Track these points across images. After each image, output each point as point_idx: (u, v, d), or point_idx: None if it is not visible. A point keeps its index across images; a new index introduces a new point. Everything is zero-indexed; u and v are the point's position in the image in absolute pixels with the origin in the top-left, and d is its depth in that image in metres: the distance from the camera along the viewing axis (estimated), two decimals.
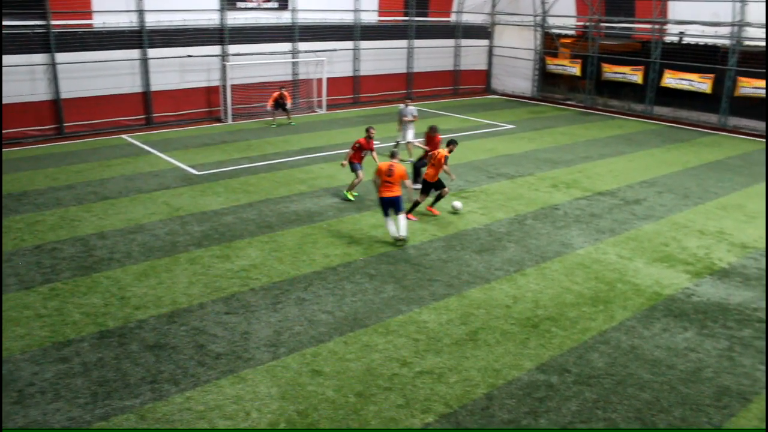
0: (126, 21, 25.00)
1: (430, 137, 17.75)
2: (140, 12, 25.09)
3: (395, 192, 13.72)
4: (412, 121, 21.00)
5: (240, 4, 27.73)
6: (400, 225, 13.84)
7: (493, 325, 10.65)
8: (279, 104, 26.90)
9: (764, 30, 26.58)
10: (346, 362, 9.49)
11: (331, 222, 15.27)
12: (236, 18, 27.72)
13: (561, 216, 16.07)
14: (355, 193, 17.11)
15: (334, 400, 8.62)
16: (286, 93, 27.35)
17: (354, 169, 16.85)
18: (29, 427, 8.05)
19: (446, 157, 15.32)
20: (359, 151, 16.84)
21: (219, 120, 27.70)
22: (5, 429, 8.32)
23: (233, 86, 27.57)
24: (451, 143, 15.70)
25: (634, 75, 31.52)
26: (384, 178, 13.72)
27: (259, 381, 9.01)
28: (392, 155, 14.15)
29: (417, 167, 17.65)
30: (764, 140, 26.04)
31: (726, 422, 8.37)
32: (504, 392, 8.87)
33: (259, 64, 28.52)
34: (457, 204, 16.07)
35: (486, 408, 8.53)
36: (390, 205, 13.83)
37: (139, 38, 25.39)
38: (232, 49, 27.83)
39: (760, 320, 11.06)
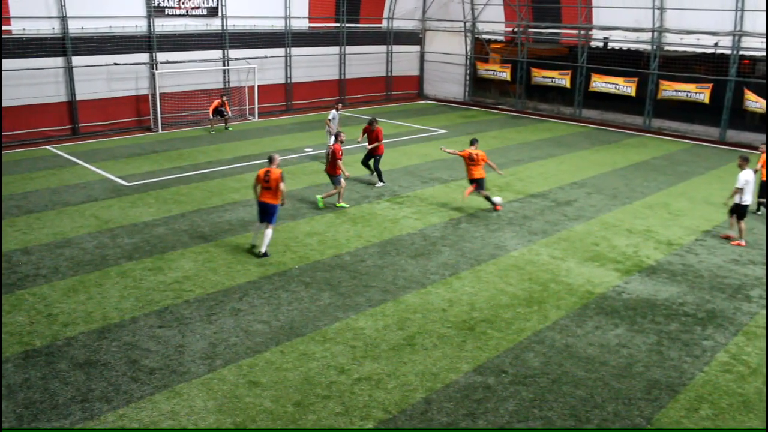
0: (48, 27, 24.21)
1: (370, 129, 18.85)
2: (62, 18, 24.35)
3: (274, 199, 13.39)
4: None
5: (168, 11, 27.22)
6: (265, 237, 13.55)
7: (430, 329, 10.72)
8: (218, 111, 26.69)
9: (681, 36, 27.68)
10: (284, 372, 9.39)
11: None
12: (164, 25, 27.21)
13: (494, 219, 16.31)
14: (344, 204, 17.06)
15: (272, 410, 8.52)
16: (226, 101, 27.16)
17: (336, 182, 16.65)
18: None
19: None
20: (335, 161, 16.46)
21: (149, 129, 27.10)
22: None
23: (163, 94, 27.02)
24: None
25: (563, 79, 32.32)
26: (262, 184, 13.38)
27: (195, 395, 8.83)
28: (270, 160, 13.60)
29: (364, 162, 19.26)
30: (685, 141, 27.07)
31: (656, 414, 8.62)
32: (442, 395, 8.92)
33: (190, 71, 28.04)
34: (497, 199, 16.95)
35: (425, 412, 8.56)
36: (266, 211, 13.51)
37: (63, 45, 24.63)
38: (161, 56, 27.28)
39: (686, 314, 11.45)
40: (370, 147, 19.07)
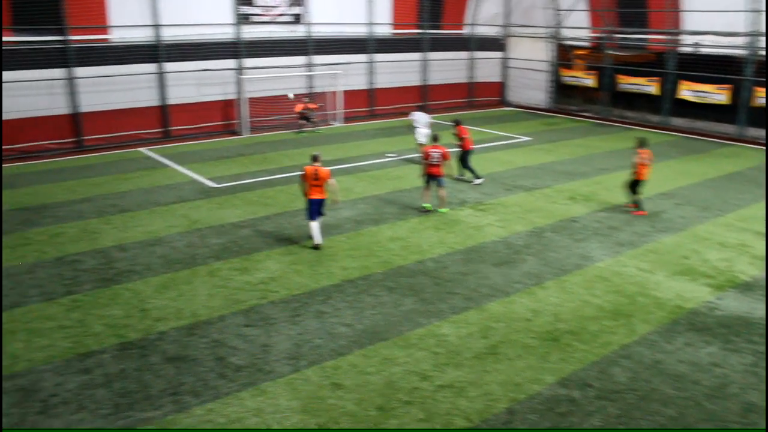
0: (143, 35, 25.25)
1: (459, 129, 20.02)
2: (156, 26, 25.33)
3: (322, 194, 14.21)
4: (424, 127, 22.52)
5: (255, 19, 27.95)
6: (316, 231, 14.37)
7: (514, 338, 10.60)
8: (304, 116, 27.47)
9: None
10: (367, 375, 9.47)
11: (349, 234, 15.29)
12: (251, 32, 27.95)
13: (580, 228, 16.01)
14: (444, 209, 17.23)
15: (354, 413, 8.60)
16: (310, 104, 27.80)
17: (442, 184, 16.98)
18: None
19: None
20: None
21: (236, 133, 27.86)
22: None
23: (249, 99, 27.75)
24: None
25: (650, 86, 31.43)
26: (311, 181, 14.06)
27: (280, 394, 9.01)
28: (314, 159, 14.27)
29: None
30: None
31: None
32: (525, 407, 8.81)
33: (275, 77, 28.68)
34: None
35: (507, 423, 8.48)
36: (318, 207, 14.28)
37: (156, 52, 25.63)
38: (248, 62, 28.02)
39: None
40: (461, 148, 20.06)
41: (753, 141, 27.51)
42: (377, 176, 20.57)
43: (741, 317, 11.53)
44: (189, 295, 12.05)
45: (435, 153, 16.66)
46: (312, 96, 29.64)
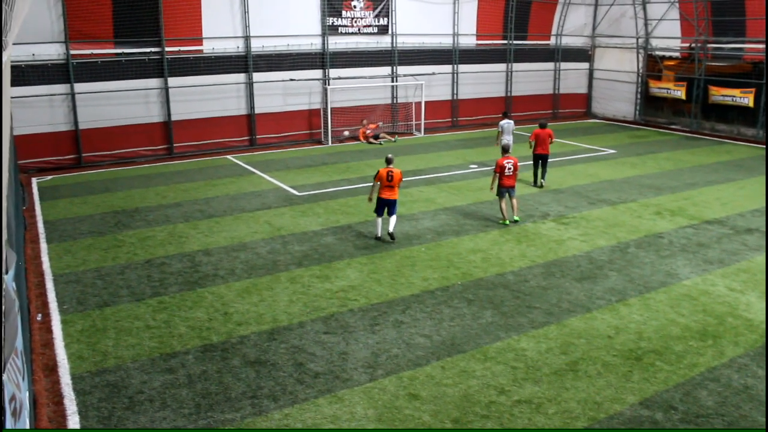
0: (233, 46, 26.07)
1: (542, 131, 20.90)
2: (246, 38, 26.10)
3: (394, 195, 15.26)
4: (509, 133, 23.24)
5: (341, 30, 28.42)
6: (391, 222, 15.45)
7: (594, 355, 10.36)
8: (374, 137, 28.43)
9: None
10: (443, 387, 9.44)
11: (429, 245, 15.30)
12: (337, 43, 28.43)
13: (666, 245, 15.50)
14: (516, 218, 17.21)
15: (430, 425, 8.59)
16: (371, 125, 28.61)
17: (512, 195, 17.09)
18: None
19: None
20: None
21: (320, 142, 28.36)
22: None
23: (334, 109, 28.21)
24: None
25: (745, 98, 30.16)
26: (385, 182, 15.13)
27: (356, 402, 9.09)
28: (388, 161, 15.48)
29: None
30: None
31: None
32: (605, 426, 8.58)
33: (360, 87, 29.05)
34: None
35: None
36: (388, 206, 15.35)
37: (245, 63, 26.40)
38: (333, 72, 28.50)
39: None
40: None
41: None
42: (458, 187, 20.51)
43: None
44: (270, 300, 12.32)
45: (508, 164, 16.65)
46: (369, 118, 29.78)
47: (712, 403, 9.13)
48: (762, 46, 29.71)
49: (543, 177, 20.97)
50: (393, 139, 28.74)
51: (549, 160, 21.29)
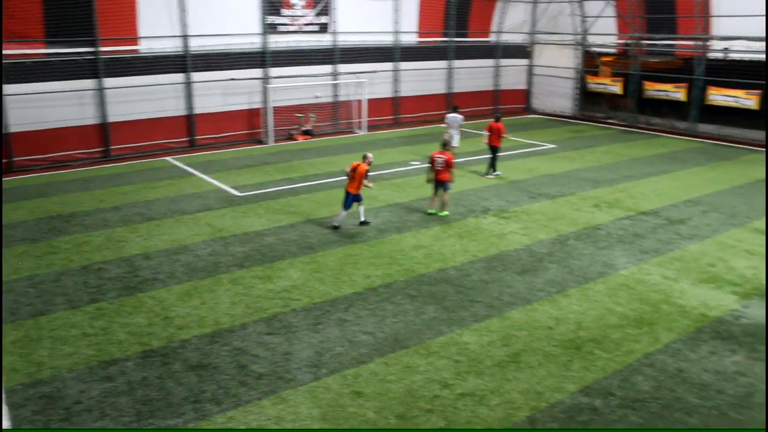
0: (171, 46, 25.60)
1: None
2: (184, 37, 25.66)
3: (352, 189, 15.98)
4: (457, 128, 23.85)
5: (281, 28, 28.20)
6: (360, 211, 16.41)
7: (536, 346, 10.53)
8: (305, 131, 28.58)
9: None
10: (387, 383, 9.46)
11: (371, 242, 15.32)
12: (277, 41, 28.20)
13: (603, 236, 15.86)
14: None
15: (375, 421, 8.60)
16: (304, 117, 28.85)
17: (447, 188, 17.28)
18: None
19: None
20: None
21: (261, 142, 28.08)
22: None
23: (275, 108, 27.98)
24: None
25: (678, 92, 31.07)
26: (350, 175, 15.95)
27: (300, 402, 9.04)
28: (364, 157, 16.16)
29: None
30: None
31: None
32: (547, 415, 8.74)
33: (301, 86, 28.88)
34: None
35: (529, 431, 8.42)
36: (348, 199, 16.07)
37: (183, 62, 25.96)
38: (274, 71, 28.26)
39: None
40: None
41: None
42: (400, 184, 20.59)
43: None
44: (211, 303, 12.15)
45: (439, 159, 16.97)
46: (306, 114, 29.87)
47: (648, 388, 9.39)
48: (691, 42, 30.68)
49: (491, 167, 21.77)
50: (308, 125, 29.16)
51: (498, 154, 21.97)
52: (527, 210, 17.97)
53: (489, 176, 21.77)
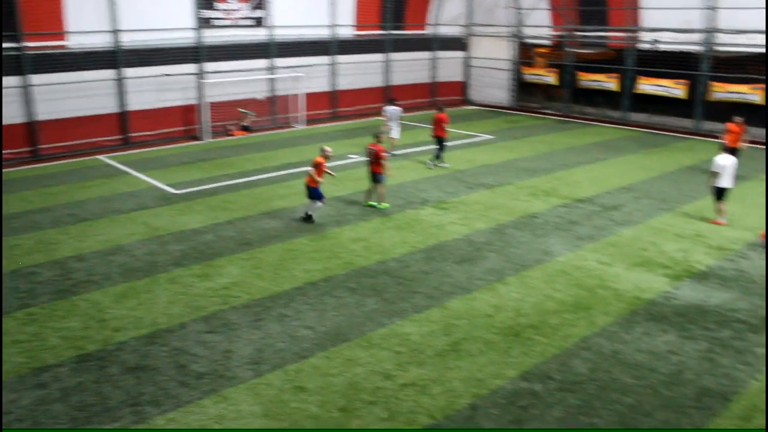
0: (101, 41, 24.89)
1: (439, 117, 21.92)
2: (115, 32, 25.00)
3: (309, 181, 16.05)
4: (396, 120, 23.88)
5: (216, 22, 27.74)
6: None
7: (476, 335, 10.65)
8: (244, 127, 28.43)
9: (735, 36, 27.00)
10: (329, 377, 9.44)
11: (311, 237, 15.23)
12: (212, 36, 27.72)
13: (540, 224, 16.15)
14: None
15: (317, 416, 8.58)
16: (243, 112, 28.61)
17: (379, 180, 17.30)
18: None
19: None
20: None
21: (197, 138, 27.57)
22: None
23: (212, 104, 27.52)
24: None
25: (610, 82, 31.84)
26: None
27: (242, 399, 8.94)
28: (321, 150, 16.24)
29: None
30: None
31: (708, 423, 8.43)
32: (488, 401, 8.86)
33: (237, 81, 28.50)
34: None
35: (470, 418, 8.52)
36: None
37: (114, 58, 25.28)
38: (209, 66, 27.79)
39: (739, 321, 11.16)
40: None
41: (709, 134, 27.93)
42: (339, 178, 20.42)
43: (696, 305, 11.74)
44: (149, 303, 11.89)
45: (370, 150, 17.27)
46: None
47: (586, 370, 9.61)
48: (622, 34, 31.46)
49: (437, 158, 22.06)
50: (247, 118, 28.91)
51: (446, 144, 22.38)
52: (465, 200, 18.14)
53: (430, 165, 21.96)
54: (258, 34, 29.29)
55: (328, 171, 16.43)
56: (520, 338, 10.54)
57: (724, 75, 27.67)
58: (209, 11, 27.43)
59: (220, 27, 27.98)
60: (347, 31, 32.72)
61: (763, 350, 10.22)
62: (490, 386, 9.22)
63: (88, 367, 9.79)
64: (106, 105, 25.57)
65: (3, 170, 22.60)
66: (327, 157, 16.19)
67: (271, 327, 10.94)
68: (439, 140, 22.01)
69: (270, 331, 10.79)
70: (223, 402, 8.89)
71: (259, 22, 29.13)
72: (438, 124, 21.95)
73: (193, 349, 10.29)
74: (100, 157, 24.37)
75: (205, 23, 27.36)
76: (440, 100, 36.12)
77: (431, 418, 8.53)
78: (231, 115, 28.61)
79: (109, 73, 25.35)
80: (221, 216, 16.83)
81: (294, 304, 11.76)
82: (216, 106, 27.86)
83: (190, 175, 21.27)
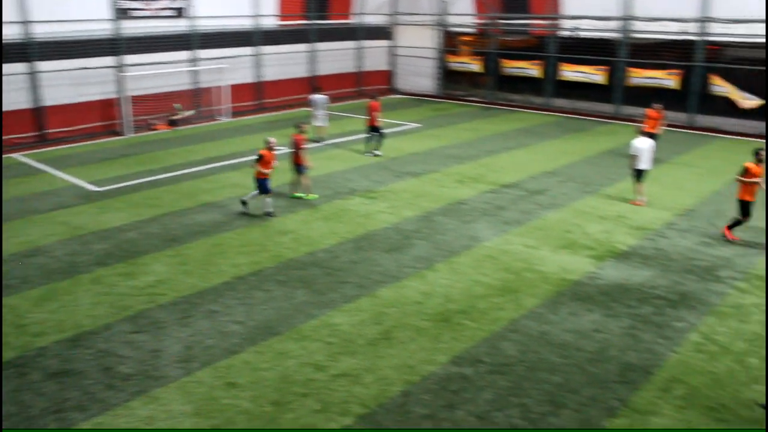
0: (11, 33, 23.80)
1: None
2: (25, 23, 23.97)
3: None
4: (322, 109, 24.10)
5: (135, 13, 26.94)
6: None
7: (406, 322, 10.73)
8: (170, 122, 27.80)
9: (651, 23, 27.93)
10: (261, 372, 9.35)
11: (239, 231, 15.02)
12: (131, 27, 26.89)
13: (468, 210, 16.36)
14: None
15: (250, 411, 8.49)
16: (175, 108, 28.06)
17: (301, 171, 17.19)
18: None
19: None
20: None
21: (118, 133, 26.76)
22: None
23: (133, 97, 26.75)
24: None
25: (533, 69, 32.47)
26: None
27: (172, 399, 8.76)
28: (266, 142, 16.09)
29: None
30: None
31: (631, 396, 8.73)
32: (420, 388, 8.94)
33: (159, 74, 27.78)
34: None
35: (403, 405, 8.58)
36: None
37: (26, 51, 24.25)
38: (130, 59, 26.98)
39: (659, 297, 11.60)
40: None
41: (628, 118, 28.82)
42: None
43: (619, 284, 12.14)
44: (71, 305, 11.50)
45: (292, 141, 17.25)
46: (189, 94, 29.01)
47: (515, 352, 9.81)
48: (543, 22, 32.11)
49: (375, 148, 22.31)
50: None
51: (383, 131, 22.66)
52: (393, 189, 18.22)
53: (368, 154, 22.15)
54: (179, 25, 28.59)
55: (275, 163, 16.13)
56: (450, 324, 10.67)
57: (641, 61, 28.61)
58: (127, 2, 26.61)
59: (140, 18, 27.19)
60: (271, 21, 32.30)
61: (682, 324, 10.66)
62: (422, 372, 9.30)
63: (6, 375, 9.39)
64: (19, 100, 24.51)
65: None
66: (272, 149, 15.90)
67: (200, 324, 10.75)
68: (374, 129, 22.08)
69: (199, 328, 10.60)
70: (153, 403, 8.70)
71: (180, 13, 28.44)
72: (371, 112, 22.04)
73: (119, 350, 10.01)
74: (14, 155, 23.35)
75: (123, 14, 26.52)
76: (368, 90, 36.15)
77: (364, 407, 8.55)
78: (155, 109, 27.87)
79: (20, 67, 24.30)
80: (145, 213, 16.40)
81: (223, 300, 11.58)
82: (138, 100, 27.09)
83: (112, 171, 20.62)
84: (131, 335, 10.44)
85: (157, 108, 27.98)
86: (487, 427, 8.20)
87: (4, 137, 24.10)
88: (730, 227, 14.42)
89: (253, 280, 12.36)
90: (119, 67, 26.66)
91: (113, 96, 26.75)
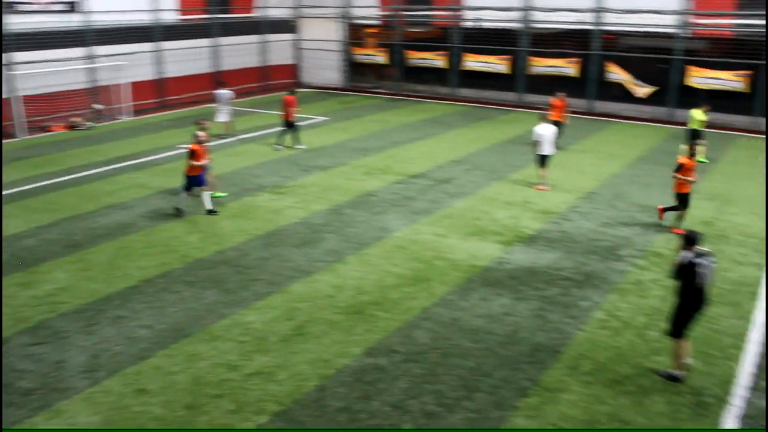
0: None
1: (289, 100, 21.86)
2: None
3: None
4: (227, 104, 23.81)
5: (21, 7, 25.61)
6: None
7: (319, 316, 10.70)
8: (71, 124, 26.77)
9: (550, 13, 28.81)
10: (172, 375, 9.12)
11: (144, 232, 14.58)
12: (18, 22, 25.55)
13: (377, 202, 16.45)
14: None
15: (162, 416, 8.27)
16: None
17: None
18: None
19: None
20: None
21: (10, 136, 25.45)
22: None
23: (25, 97, 25.47)
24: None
25: (438, 60, 32.92)
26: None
27: (78, 411, 8.42)
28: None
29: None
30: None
31: (541, 375, 9.00)
32: (335, 381, 8.94)
33: (53, 71, 26.55)
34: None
35: (318, 399, 8.56)
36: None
37: None
38: (19, 56, 25.67)
39: (565, 278, 12.03)
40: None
41: (530, 106, 29.69)
42: (170, 169, 19.70)
43: (527, 268, 12.49)
44: None
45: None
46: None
47: (428, 340, 9.95)
48: (446, 13, 32.60)
49: (297, 142, 22.42)
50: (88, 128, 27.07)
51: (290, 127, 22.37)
52: (302, 183, 18.12)
53: (279, 147, 22.13)
54: (73, 20, 27.41)
55: (207, 156, 15.80)
56: (363, 315, 10.72)
57: (542, 50, 29.48)
58: None
59: (27, 12, 25.87)
60: (171, 16, 31.45)
61: (587, 303, 11.08)
62: (337, 365, 9.30)
63: None
64: None
65: None
66: (201, 142, 15.44)
67: (106, 330, 10.38)
68: (289, 124, 21.97)
69: (105, 335, 10.24)
70: (57, 417, 8.33)
71: (72, 7, 27.27)
72: (287, 107, 21.88)
73: (18, 364, 9.53)
74: None
75: (8, 8, 25.16)
76: (272, 85, 35.78)
77: (280, 404, 8.48)
78: (51, 109, 26.63)
79: None
80: (44, 218, 15.66)
81: (130, 304, 11.22)
82: (30, 100, 25.82)
83: (5, 176, 19.59)
84: (31, 347, 9.96)
85: (53, 108, 26.75)
86: (403, 415, 8.29)
87: None
88: (665, 210, 14.82)
89: (161, 283, 12.02)
90: (8, 65, 25.32)
91: (4, 96, 25.37)
